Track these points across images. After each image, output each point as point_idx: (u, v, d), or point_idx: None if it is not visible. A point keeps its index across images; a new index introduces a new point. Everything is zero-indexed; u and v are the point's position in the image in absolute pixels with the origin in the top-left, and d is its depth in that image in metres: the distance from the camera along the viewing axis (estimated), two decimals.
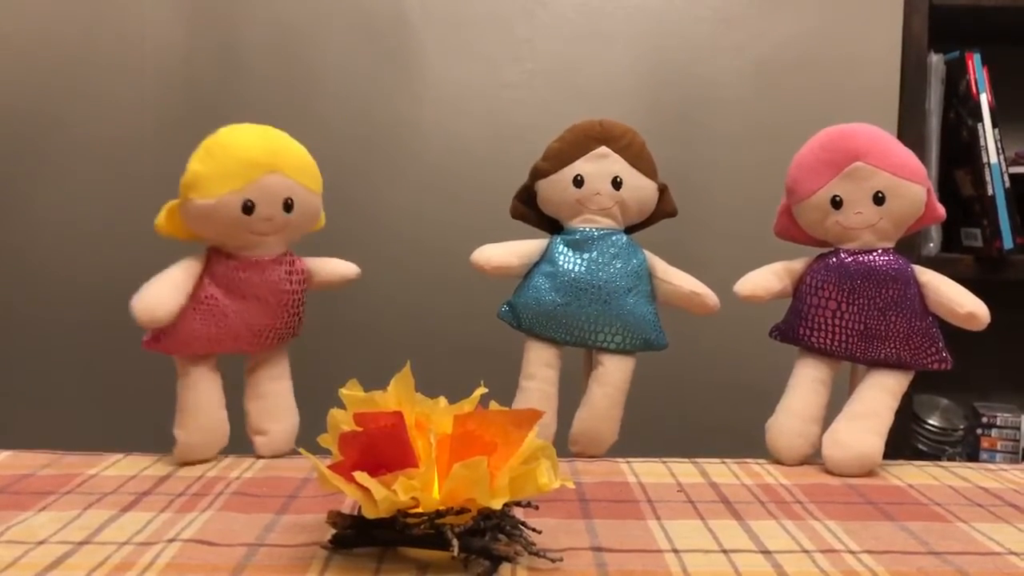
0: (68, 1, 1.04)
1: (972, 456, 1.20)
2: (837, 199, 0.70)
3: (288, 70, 1.05)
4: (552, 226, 0.77)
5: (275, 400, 0.72)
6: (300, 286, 0.71)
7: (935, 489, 0.66)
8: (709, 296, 0.75)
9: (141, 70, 1.05)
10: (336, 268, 0.74)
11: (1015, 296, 1.16)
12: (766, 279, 0.73)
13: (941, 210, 0.72)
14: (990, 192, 1.08)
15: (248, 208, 0.66)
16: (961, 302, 0.69)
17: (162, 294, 0.65)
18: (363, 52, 1.05)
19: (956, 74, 1.11)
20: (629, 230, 0.77)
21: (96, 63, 1.05)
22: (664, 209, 0.77)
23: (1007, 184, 1.08)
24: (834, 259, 0.71)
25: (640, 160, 0.74)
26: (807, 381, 0.73)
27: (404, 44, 1.06)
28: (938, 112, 1.12)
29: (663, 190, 0.77)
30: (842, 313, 0.71)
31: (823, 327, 0.72)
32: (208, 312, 0.68)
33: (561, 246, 0.74)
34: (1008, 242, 1.08)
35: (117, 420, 1.03)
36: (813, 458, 0.72)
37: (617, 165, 0.73)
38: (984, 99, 1.08)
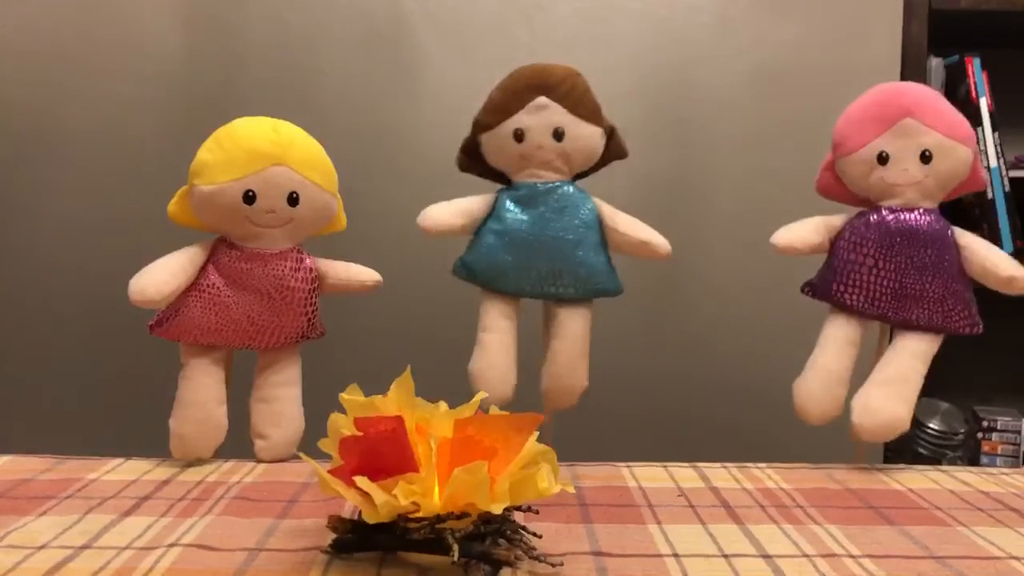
0: (68, 3, 1.05)
1: (973, 460, 1.20)
2: (884, 155, 0.69)
3: (288, 74, 1.05)
4: (501, 177, 0.76)
5: (279, 405, 0.72)
6: (308, 284, 0.71)
7: (936, 493, 0.66)
8: (660, 245, 0.74)
9: (141, 72, 1.05)
10: (354, 273, 0.73)
11: (1014, 300, 1.16)
12: (805, 231, 0.72)
13: (984, 177, 0.72)
14: (989, 196, 1.08)
15: (249, 198, 0.67)
16: (1003, 265, 0.69)
17: (156, 276, 0.66)
18: (363, 56, 1.06)
19: (956, 78, 1.11)
20: (580, 175, 0.75)
21: (97, 65, 1.05)
22: (614, 152, 0.75)
23: (1006, 188, 1.09)
24: (875, 216, 0.70)
25: (582, 106, 0.72)
26: (837, 342, 0.72)
27: (404, 48, 1.06)
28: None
29: (611, 133, 0.74)
30: (879, 271, 0.70)
31: (858, 284, 0.71)
32: (209, 300, 0.68)
33: (508, 202, 0.73)
34: (1007, 245, 1.08)
35: (117, 424, 1.02)
36: (839, 419, 0.72)
37: (557, 116, 0.71)
38: (983, 103, 1.08)
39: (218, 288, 0.68)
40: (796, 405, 0.72)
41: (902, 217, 0.69)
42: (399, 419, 0.48)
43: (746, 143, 1.06)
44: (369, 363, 1.02)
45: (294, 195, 0.68)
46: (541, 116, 0.71)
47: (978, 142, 1.08)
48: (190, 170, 0.68)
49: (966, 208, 1.13)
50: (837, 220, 0.73)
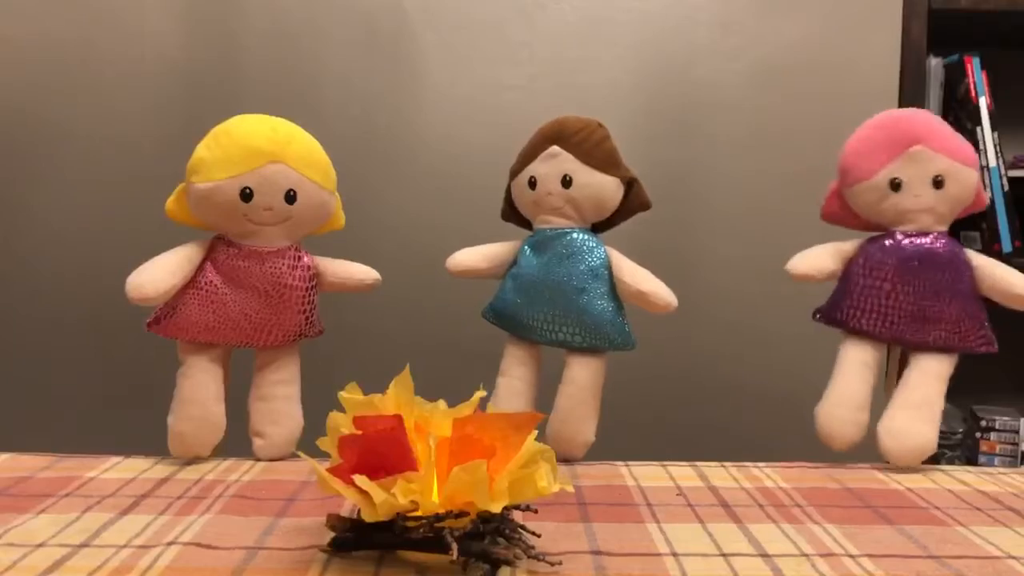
0: (68, 5, 1.05)
1: (971, 459, 1.21)
2: (896, 181, 0.70)
3: (288, 74, 1.05)
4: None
5: (277, 404, 0.72)
6: (305, 282, 0.70)
7: (934, 493, 0.66)
8: (658, 295, 0.73)
9: (141, 74, 1.05)
10: (351, 271, 0.73)
11: None
12: (820, 259, 0.73)
13: (985, 198, 0.73)
14: (989, 196, 1.08)
15: (247, 195, 0.67)
16: (1018, 283, 0.70)
17: (155, 273, 0.66)
18: (363, 56, 1.06)
19: (955, 78, 1.11)
20: (602, 226, 0.76)
21: (96, 67, 1.05)
22: (634, 203, 0.75)
23: (1006, 188, 1.09)
24: (890, 241, 0.71)
25: (593, 156, 0.73)
26: (855, 366, 0.73)
27: (404, 48, 1.06)
28: (937, 116, 1.12)
29: (630, 184, 0.75)
30: (896, 295, 0.71)
31: (874, 309, 0.72)
32: (207, 298, 0.68)
33: (526, 248, 0.75)
34: (1007, 245, 1.08)
35: (116, 423, 1.02)
36: (862, 445, 0.72)
37: (567, 163, 0.73)
38: (983, 103, 1.09)
39: (215, 286, 0.68)
40: (820, 432, 0.73)
41: (918, 242, 0.71)
42: (398, 418, 0.48)
43: (746, 143, 1.06)
44: (368, 362, 1.02)
45: (291, 193, 0.68)
46: (552, 164, 0.73)
47: (978, 142, 1.08)
48: (188, 167, 0.68)
49: None
50: (848, 246, 0.74)
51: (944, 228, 0.72)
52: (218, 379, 0.70)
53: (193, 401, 0.69)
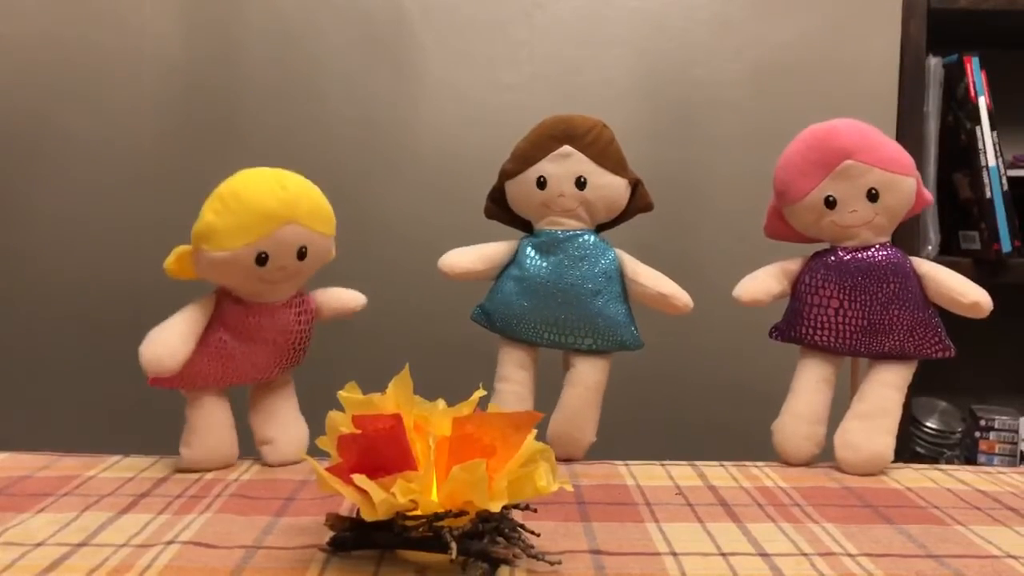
0: (67, 4, 1.04)
1: (970, 459, 1.20)
2: (831, 199, 0.69)
3: (287, 74, 1.05)
4: (527, 225, 0.76)
5: (279, 412, 0.72)
6: (309, 324, 0.71)
7: (933, 492, 0.66)
8: (677, 298, 0.73)
9: (140, 74, 1.05)
10: (344, 302, 0.74)
11: (1013, 299, 1.15)
12: (765, 283, 0.73)
13: (929, 196, 0.72)
14: (988, 195, 1.08)
15: (262, 260, 0.65)
16: (964, 292, 0.69)
17: (171, 345, 0.64)
18: (362, 55, 1.05)
19: (954, 77, 1.11)
20: (603, 227, 0.75)
21: (95, 66, 1.04)
22: (638, 204, 0.75)
23: (1005, 187, 1.08)
24: (832, 258, 0.71)
25: (606, 157, 0.72)
26: (811, 381, 0.73)
27: (403, 47, 1.06)
28: (936, 115, 1.12)
29: (636, 185, 0.74)
30: (844, 310, 0.71)
31: (826, 325, 0.71)
32: (216, 355, 0.68)
33: (528, 249, 0.74)
34: (1006, 245, 1.08)
35: (115, 422, 1.02)
36: (819, 458, 0.72)
37: (581, 164, 0.71)
38: (982, 102, 1.08)
39: (225, 342, 0.68)
40: (775, 447, 0.73)
41: (860, 256, 0.70)
42: (397, 417, 0.48)
43: (745, 142, 1.06)
44: (367, 361, 1.02)
45: (303, 249, 0.67)
46: (564, 164, 0.72)
47: (977, 142, 1.08)
48: (195, 233, 0.65)
49: (965, 207, 1.13)
50: (794, 264, 0.73)
51: (886, 238, 0.71)
52: (226, 407, 0.70)
53: (208, 431, 0.69)
